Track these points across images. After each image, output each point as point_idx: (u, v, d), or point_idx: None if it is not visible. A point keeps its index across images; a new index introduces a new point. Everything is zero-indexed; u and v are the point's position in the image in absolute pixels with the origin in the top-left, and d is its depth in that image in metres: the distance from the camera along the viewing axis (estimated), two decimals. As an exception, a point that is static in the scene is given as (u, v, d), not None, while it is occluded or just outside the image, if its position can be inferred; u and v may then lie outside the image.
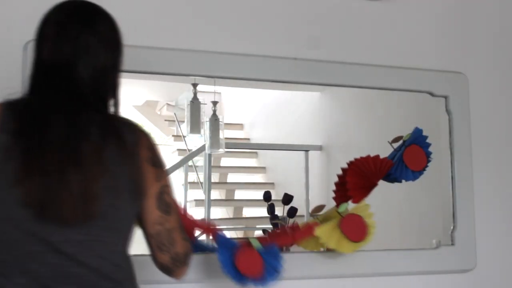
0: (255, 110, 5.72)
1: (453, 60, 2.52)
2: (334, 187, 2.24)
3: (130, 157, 1.38)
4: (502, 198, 2.54)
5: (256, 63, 2.23)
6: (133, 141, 1.39)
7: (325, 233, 2.07)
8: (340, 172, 2.22)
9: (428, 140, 2.26)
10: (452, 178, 2.41)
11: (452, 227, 2.39)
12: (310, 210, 2.14)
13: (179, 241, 1.46)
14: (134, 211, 1.42)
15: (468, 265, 2.40)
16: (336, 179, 2.24)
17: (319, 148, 3.98)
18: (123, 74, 2.09)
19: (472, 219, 2.41)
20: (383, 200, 3.07)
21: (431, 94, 2.44)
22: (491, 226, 2.48)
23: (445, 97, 2.45)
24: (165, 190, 1.43)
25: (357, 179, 2.16)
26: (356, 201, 2.13)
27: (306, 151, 4.10)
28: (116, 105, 1.46)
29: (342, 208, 2.12)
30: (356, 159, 2.18)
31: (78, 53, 1.40)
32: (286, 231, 2.15)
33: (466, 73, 2.49)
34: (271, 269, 1.94)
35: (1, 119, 1.34)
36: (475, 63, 2.55)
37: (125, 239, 1.43)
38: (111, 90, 1.46)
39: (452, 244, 2.38)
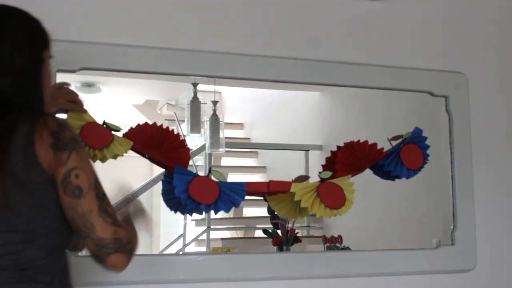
0: (255, 110, 5.71)
1: (453, 60, 2.51)
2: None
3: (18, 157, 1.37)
4: (502, 198, 2.54)
5: (256, 63, 2.23)
6: (26, 133, 1.38)
7: (301, 191, 2.04)
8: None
9: (428, 140, 2.26)
10: (452, 178, 2.42)
11: (452, 227, 2.39)
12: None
13: (99, 224, 1.38)
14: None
15: (468, 265, 2.40)
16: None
17: (319, 148, 3.98)
18: (123, 74, 2.10)
19: (472, 219, 2.41)
20: (383, 200, 3.07)
21: (431, 94, 2.44)
22: (491, 226, 2.48)
23: (445, 97, 2.45)
24: (73, 173, 1.39)
25: (348, 156, 2.17)
26: (340, 174, 2.13)
27: (306, 151, 4.10)
28: (38, 101, 1.47)
29: (325, 174, 2.12)
30: (352, 141, 2.19)
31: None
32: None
33: (466, 73, 2.49)
34: (227, 200, 1.94)
35: None
36: (475, 63, 2.55)
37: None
38: (32, 90, 1.47)
39: (452, 244, 2.38)
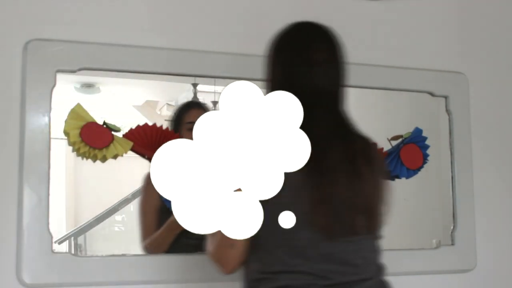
0: (255, 110, 5.71)
1: (453, 60, 2.51)
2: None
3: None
4: (502, 198, 2.54)
5: (256, 63, 2.22)
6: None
7: None
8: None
9: (428, 140, 2.26)
10: (452, 178, 2.41)
11: (452, 227, 2.39)
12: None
13: None
14: None
15: (468, 265, 2.40)
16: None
17: (319, 148, 3.97)
18: (123, 74, 2.10)
19: (472, 219, 2.41)
20: (383, 200, 3.06)
21: (431, 94, 2.44)
22: (491, 226, 2.48)
23: (445, 97, 2.45)
24: None
25: None
26: None
27: (306, 151, 4.09)
28: None
29: None
30: None
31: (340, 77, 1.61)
32: None
33: (466, 73, 2.49)
34: None
35: None
36: (475, 63, 2.55)
37: None
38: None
39: (452, 244, 2.38)
